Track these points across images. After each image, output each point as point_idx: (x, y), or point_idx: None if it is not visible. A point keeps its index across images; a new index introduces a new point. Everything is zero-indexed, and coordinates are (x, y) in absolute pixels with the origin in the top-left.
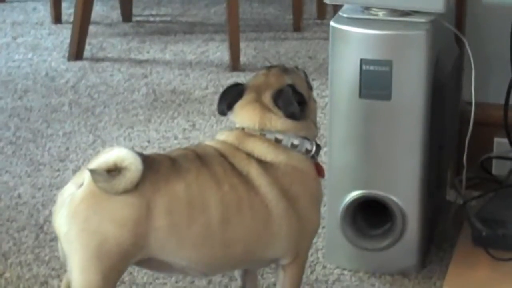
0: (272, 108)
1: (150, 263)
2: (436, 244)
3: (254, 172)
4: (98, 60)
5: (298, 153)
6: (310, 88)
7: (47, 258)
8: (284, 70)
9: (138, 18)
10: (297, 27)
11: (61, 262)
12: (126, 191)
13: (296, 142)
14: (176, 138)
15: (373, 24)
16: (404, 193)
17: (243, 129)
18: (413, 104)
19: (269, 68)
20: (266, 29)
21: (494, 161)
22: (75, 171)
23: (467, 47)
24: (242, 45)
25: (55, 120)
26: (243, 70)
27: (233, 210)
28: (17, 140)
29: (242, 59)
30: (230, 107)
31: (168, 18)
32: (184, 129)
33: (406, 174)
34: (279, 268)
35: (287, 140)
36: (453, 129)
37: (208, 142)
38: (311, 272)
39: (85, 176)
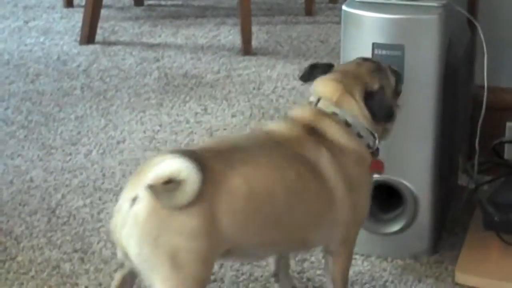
0: (355, 95)
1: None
2: (448, 229)
3: (323, 159)
4: (110, 44)
5: (364, 144)
6: (398, 93)
7: (59, 242)
8: (378, 69)
9: (150, 2)
10: (309, 11)
11: (73, 246)
12: (190, 203)
13: (362, 133)
14: (188, 122)
15: (385, 8)
16: (416, 177)
17: (315, 104)
18: (425, 89)
19: (364, 59)
20: (278, 13)
21: (506, 146)
22: (86, 155)
23: (480, 31)
24: (254, 29)
25: (67, 104)
26: (255, 54)
27: (298, 197)
28: (29, 124)
29: (254, 43)
30: (313, 77)
31: (180, 2)
32: (196, 113)
33: (418, 158)
34: (327, 256)
35: (355, 127)
36: (465, 114)
37: (272, 124)
38: (323, 257)
39: (139, 191)
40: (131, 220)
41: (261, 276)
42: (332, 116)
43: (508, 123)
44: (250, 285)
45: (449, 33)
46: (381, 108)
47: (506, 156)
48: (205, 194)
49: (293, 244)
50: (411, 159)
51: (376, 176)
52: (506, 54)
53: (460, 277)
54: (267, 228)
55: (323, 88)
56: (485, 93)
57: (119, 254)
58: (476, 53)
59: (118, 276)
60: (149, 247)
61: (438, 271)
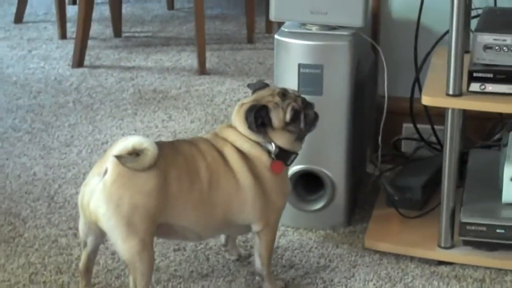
0: (241, 117)
1: (161, 229)
2: (359, 206)
3: (228, 151)
4: (95, 67)
5: (261, 148)
6: (300, 118)
7: (56, 221)
8: (283, 96)
9: (127, 34)
10: (250, 40)
11: (68, 225)
12: (150, 167)
13: (261, 143)
14: (156, 127)
15: (308, 37)
16: (334, 167)
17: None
18: (339, 98)
19: (281, 89)
20: (226, 41)
21: (403, 142)
22: (78, 154)
23: (381, 53)
24: (208, 54)
25: (62, 114)
26: (208, 74)
27: (215, 177)
28: (32, 130)
29: (208, 65)
30: (253, 90)
31: (150, 34)
32: (163, 120)
33: (335, 152)
34: (255, 236)
35: (256, 139)
36: (371, 117)
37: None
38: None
39: (107, 164)
40: (100, 187)
41: (215, 245)
42: (235, 128)
43: (404, 124)
44: (207, 252)
45: (357, 55)
46: (250, 117)
47: (403, 149)
48: (159, 165)
49: (221, 223)
50: (330, 153)
51: (303, 166)
52: (401, 71)
53: (369, 243)
54: (199, 203)
55: (233, 113)
56: (386, 101)
57: (82, 229)
58: (378, 71)
59: (83, 255)
60: (114, 205)
61: (351, 239)
